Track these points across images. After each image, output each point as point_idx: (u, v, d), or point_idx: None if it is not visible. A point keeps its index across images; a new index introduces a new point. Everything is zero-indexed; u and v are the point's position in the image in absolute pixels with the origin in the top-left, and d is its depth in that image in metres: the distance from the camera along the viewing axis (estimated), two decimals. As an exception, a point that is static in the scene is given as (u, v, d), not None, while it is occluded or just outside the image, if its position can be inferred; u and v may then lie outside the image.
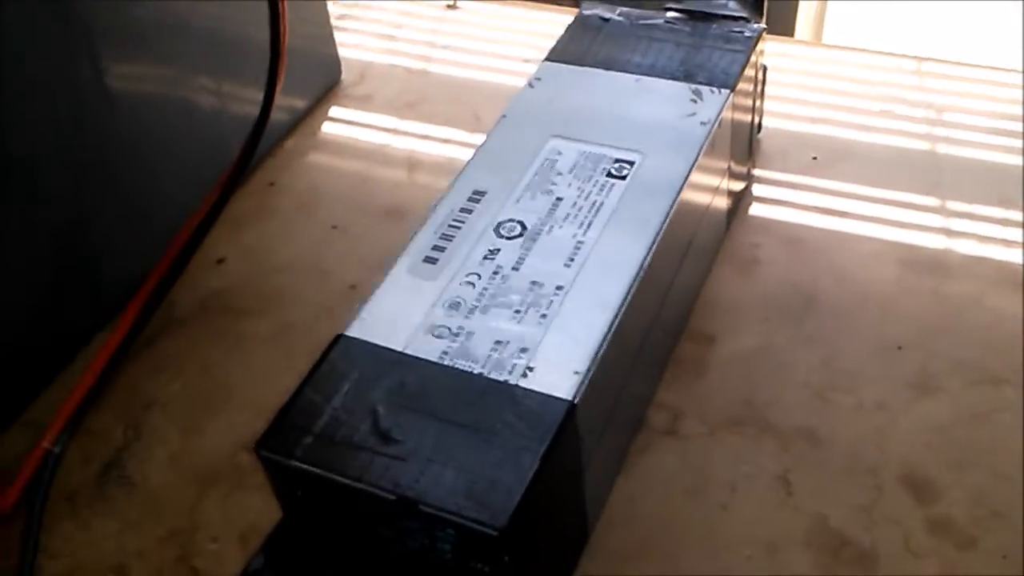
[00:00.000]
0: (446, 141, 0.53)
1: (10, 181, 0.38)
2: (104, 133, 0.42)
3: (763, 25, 0.43)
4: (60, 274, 0.42)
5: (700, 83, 0.40)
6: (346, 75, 0.58)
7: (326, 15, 0.55)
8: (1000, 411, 0.37)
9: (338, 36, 0.57)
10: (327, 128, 0.55)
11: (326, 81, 0.57)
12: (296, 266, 0.47)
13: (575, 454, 0.31)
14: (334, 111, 0.56)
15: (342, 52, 0.57)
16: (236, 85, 0.49)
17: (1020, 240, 0.44)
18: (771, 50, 0.45)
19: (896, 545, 0.33)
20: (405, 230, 0.46)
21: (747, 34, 0.42)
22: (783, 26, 0.65)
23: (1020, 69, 0.52)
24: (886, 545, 0.33)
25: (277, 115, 0.46)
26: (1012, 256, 0.43)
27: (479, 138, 0.48)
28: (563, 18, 0.59)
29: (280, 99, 0.46)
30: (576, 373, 0.30)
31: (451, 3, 0.63)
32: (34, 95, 0.38)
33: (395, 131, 0.54)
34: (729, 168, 0.43)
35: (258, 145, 0.45)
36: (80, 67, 0.40)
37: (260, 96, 0.45)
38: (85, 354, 0.43)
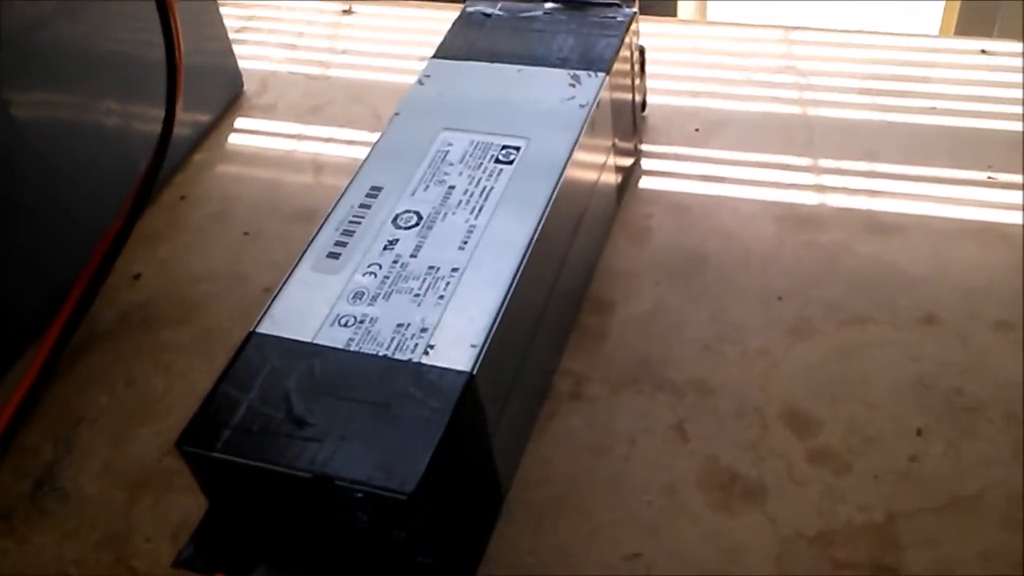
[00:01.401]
0: (350, 142, 0.55)
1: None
2: (11, 160, 0.43)
3: (635, 9, 0.45)
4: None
5: (577, 68, 0.42)
6: (248, 86, 0.59)
7: (223, 29, 0.57)
8: (868, 346, 0.40)
9: (238, 49, 0.58)
10: (233, 139, 0.56)
11: (229, 93, 0.58)
12: (211, 275, 0.49)
13: (479, 421, 0.33)
14: (239, 122, 0.57)
15: (243, 64, 0.59)
16: (141, 105, 0.50)
17: (884, 189, 0.47)
18: (652, 31, 0.48)
19: (781, 476, 0.37)
20: (314, 230, 0.49)
21: (619, 19, 0.45)
22: (666, 8, 0.68)
23: (877, 31, 0.56)
24: (772, 477, 0.37)
25: (183, 130, 0.48)
26: (877, 205, 0.46)
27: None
28: (455, 16, 0.61)
29: (184, 114, 0.47)
30: (473, 347, 0.32)
31: (347, 8, 0.65)
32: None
33: (300, 136, 0.56)
34: (614, 145, 0.45)
35: (163, 161, 0.47)
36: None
37: (163, 114, 0.46)
38: (10, 376, 0.44)
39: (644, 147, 0.51)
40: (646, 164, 0.51)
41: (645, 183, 0.50)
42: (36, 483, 0.40)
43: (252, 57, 0.61)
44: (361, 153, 0.53)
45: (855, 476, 0.36)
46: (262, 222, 0.51)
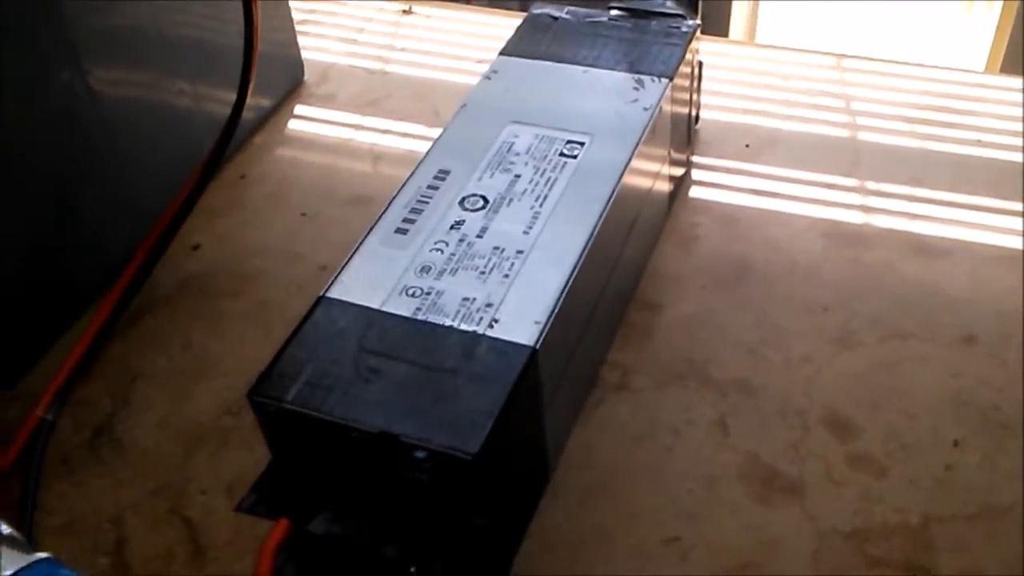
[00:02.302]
0: (407, 135, 0.56)
1: (2, 175, 0.41)
2: (88, 132, 0.45)
3: (698, 21, 0.47)
4: (49, 257, 0.45)
5: (642, 73, 0.44)
6: (309, 76, 0.61)
7: (290, 20, 0.58)
8: (909, 360, 0.41)
9: (300, 40, 0.60)
10: (293, 125, 0.58)
11: (290, 81, 0.60)
12: (268, 250, 0.50)
13: (536, 395, 0.34)
14: (299, 109, 0.59)
15: (305, 55, 0.61)
16: (209, 87, 0.52)
17: (927, 214, 0.49)
18: (707, 49, 0.50)
19: (820, 476, 0.38)
20: (372, 216, 0.50)
21: (683, 29, 0.46)
22: (718, 27, 0.70)
23: (925, 63, 0.58)
24: (811, 476, 0.38)
25: (245, 113, 0.49)
26: (920, 228, 0.48)
27: (439, 132, 0.52)
28: (511, 21, 0.63)
29: (248, 98, 0.49)
30: (536, 323, 0.34)
31: (406, 8, 0.67)
32: (27, 97, 0.41)
33: (358, 127, 0.57)
34: (669, 155, 0.47)
35: (231, 140, 0.48)
36: (67, 72, 0.43)
37: (230, 96, 0.48)
38: (74, 331, 0.46)
39: (695, 159, 0.53)
40: (696, 175, 0.52)
41: (695, 193, 0.51)
42: (94, 432, 0.42)
43: (313, 49, 0.63)
44: (418, 146, 0.56)
45: (892, 480, 0.37)
46: (319, 204, 0.52)
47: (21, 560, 0.25)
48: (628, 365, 0.43)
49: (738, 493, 0.37)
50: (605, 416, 0.41)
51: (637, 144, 0.40)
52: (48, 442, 0.41)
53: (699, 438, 0.39)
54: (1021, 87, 0.56)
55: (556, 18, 0.48)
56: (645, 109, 0.42)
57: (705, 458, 0.39)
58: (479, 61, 0.61)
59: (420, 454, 0.31)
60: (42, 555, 0.25)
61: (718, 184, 0.51)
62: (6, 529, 0.26)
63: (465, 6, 0.67)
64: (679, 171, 0.50)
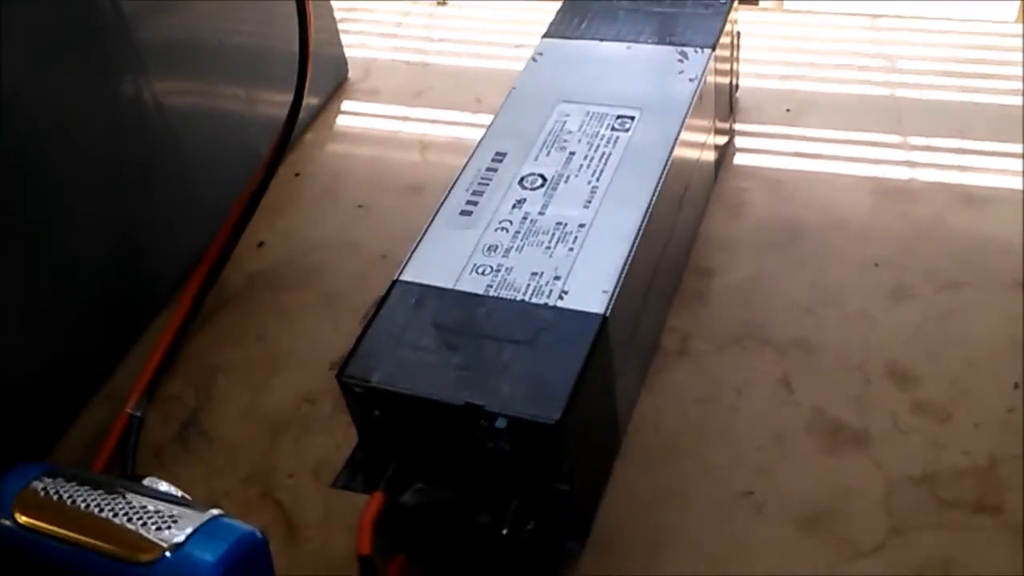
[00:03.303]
0: (452, 123, 0.58)
1: (76, 182, 0.43)
2: (155, 139, 0.47)
3: (734, -8, 0.48)
4: (122, 263, 0.47)
5: (684, 45, 0.45)
6: (353, 72, 0.63)
7: (333, 20, 0.60)
8: (963, 309, 0.42)
9: (342, 38, 0.62)
10: (341, 121, 0.60)
11: (336, 79, 0.62)
12: (329, 243, 0.52)
13: (608, 362, 0.36)
14: (345, 105, 0.61)
15: (347, 52, 0.62)
16: (260, 89, 0.54)
17: (972, 165, 0.49)
18: (741, 18, 0.51)
19: (886, 425, 0.39)
20: (426, 203, 0.52)
21: (721, 0, 0.47)
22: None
23: (958, 18, 0.58)
24: (877, 426, 0.39)
25: (295, 112, 0.51)
26: (966, 179, 0.49)
27: (483, 118, 0.54)
28: (544, 6, 0.64)
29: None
30: (604, 292, 0.35)
31: (441, 1, 0.68)
32: (100, 110, 0.43)
33: (404, 118, 0.59)
34: (714, 124, 0.48)
35: (290, 139, 0.50)
36: (135, 85, 0.45)
37: (280, 98, 0.50)
38: (151, 332, 0.48)
39: (737, 126, 0.54)
40: (740, 142, 0.53)
41: (740, 160, 0.52)
42: (182, 426, 0.44)
43: (355, 46, 0.64)
44: (463, 133, 0.57)
45: (956, 425, 0.38)
46: (373, 196, 0.54)
47: (198, 518, 0.27)
48: (687, 330, 0.44)
49: (807, 446, 0.39)
50: (668, 381, 0.42)
51: (685, 115, 0.42)
52: (140, 438, 0.43)
53: (763, 397, 0.41)
54: (1058, 34, 0.57)
55: (595, -2, 0.49)
56: (691, 80, 0.43)
57: (771, 415, 0.40)
58: (517, 47, 0.62)
59: (503, 423, 0.32)
60: (215, 511, 0.27)
61: (761, 150, 0.52)
62: (176, 491, 0.29)
63: (497, -6, 0.68)
64: (723, 139, 0.51)
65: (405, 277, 0.37)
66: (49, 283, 0.42)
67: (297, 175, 0.56)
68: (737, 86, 0.53)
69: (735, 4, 0.48)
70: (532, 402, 0.32)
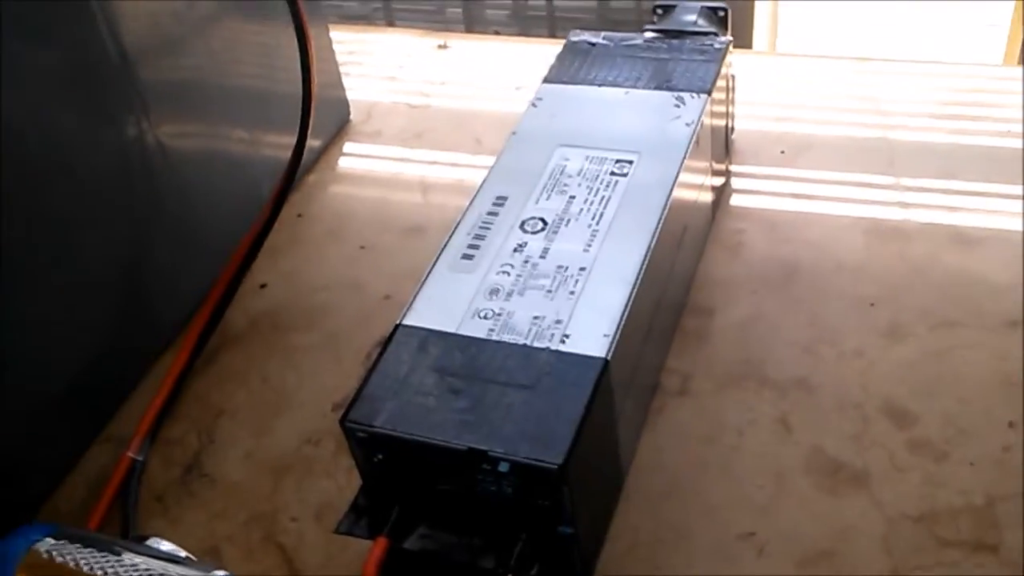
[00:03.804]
0: (453, 165, 0.59)
1: (80, 224, 0.43)
2: (160, 182, 0.48)
3: (730, 38, 0.49)
4: (126, 305, 0.47)
5: (681, 90, 0.46)
6: (355, 114, 0.64)
7: (335, 62, 0.61)
8: (959, 348, 0.43)
9: (344, 80, 0.63)
10: (343, 162, 0.61)
11: (338, 120, 0.63)
12: (332, 284, 0.52)
13: (610, 404, 0.36)
14: (348, 147, 0.62)
15: (349, 94, 0.63)
16: (263, 131, 0.55)
17: (963, 206, 0.50)
18: (734, 61, 0.52)
19: (884, 464, 0.39)
20: (428, 244, 0.52)
21: (716, 46, 0.48)
22: (742, 40, 0.72)
23: (946, 61, 0.59)
24: (875, 464, 0.39)
25: (298, 154, 0.52)
26: (957, 220, 0.49)
27: (483, 159, 0.54)
28: (542, 49, 0.65)
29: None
30: (606, 336, 0.36)
31: (442, 44, 0.69)
32: (105, 153, 0.44)
33: (406, 160, 0.60)
34: (711, 166, 0.49)
35: (293, 180, 0.51)
36: (139, 128, 0.46)
37: (283, 140, 0.51)
38: (152, 375, 0.48)
39: (733, 168, 0.54)
40: (735, 183, 0.54)
41: (736, 201, 0.53)
42: (185, 469, 0.44)
43: (357, 88, 0.65)
44: (464, 175, 0.58)
45: (953, 463, 0.39)
46: (376, 236, 0.55)
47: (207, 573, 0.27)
48: (687, 370, 0.44)
49: (806, 486, 0.39)
50: (670, 421, 0.42)
51: (683, 159, 0.42)
52: (141, 482, 0.43)
53: (763, 436, 0.41)
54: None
55: (594, 44, 0.50)
56: (687, 125, 0.44)
57: (771, 455, 0.40)
58: (516, 88, 0.63)
59: (506, 468, 0.33)
60: (220, 573, 0.28)
61: (757, 191, 0.53)
62: (180, 552, 0.29)
63: (496, 37, 0.70)
64: (719, 181, 0.52)
65: (408, 321, 0.38)
66: (50, 325, 0.42)
67: (300, 216, 0.57)
68: (733, 128, 0.54)
69: (729, 50, 0.49)
70: (535, 446, 0.32)
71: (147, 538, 0.32)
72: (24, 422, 0.41)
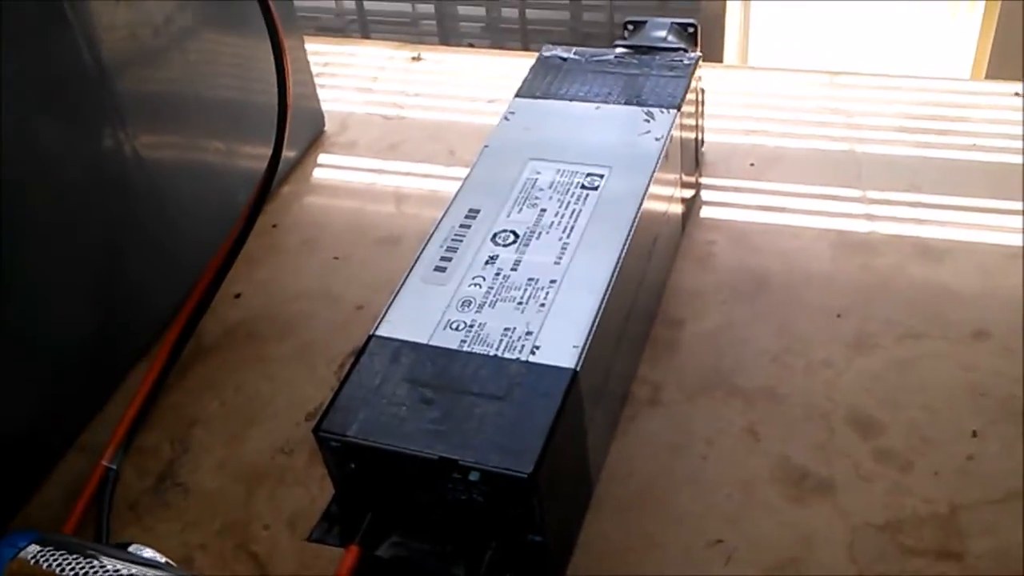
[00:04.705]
0: (427, 176, 0.59)
1: (55, 234, 0.43)
2: (136, 192, 0.48)
3: (699, 53, 0.50)
4: (101, 314, 0.47)
5: (651, 105, 0.47)
6: (329, 125, 0.64)
7: (310, 73, 0.61)
8: (924, 358, 0.44)
9: (318, 91, 0.63)
10: (318, 173, 0.61)
11: (312, 131, 0.63)
12: (306, 294, 0.53)
13: (579, 414, 0.37)
14: (322, 158, 0.62)
15: (323, 105, 0.64)
16: (239, 143, 0.55)
17: (928, 218, 0.51)
18: (706, 75, 0.53)
19: (849, 473, 0.40)
20: (401, 255, 0.53)
21: (686, 62, 0.49)
22: (713, 53, 0.73)
23: (915, 75, 0.61)
24: (841, 474, 0.40)
25: (273, 165, 0.52)
26: (923, 232, 0.50)
27: (456, 171, 0.55)
28: (516, 62, 0.66)
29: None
30: (575, 347, 0.36)
31: (416, 55, 0.70)
32: (81, 163, 0.44)
33: (380, 171, 0.60)
34: (680, 179, 0.50)
35: (269, 191, 0.51)
36: (116, 139, 0.46)
37: (259, 151, 0.51)
38: (127, 384, 0.48)
39: (703, 180, 0.55)
40: (705, 196, 0.55)
41: (706, 212, 0.54)
42: (158, 478, 0.44)
43: (331, 100, 0.65)
44: (438, 186, 0.59)
45: (917, 473, 0.40)
46: (350, 247, 0.55)
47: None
48: (657, 380, 0.45)
49: (773, 494, 0.40)
50: (640, 429, 0.43)
51: (653, 173, 0.43)
52: (115, 490, 0.43)
53: (731, 445, 0.42)
54: (1011, 92, 0.59)
55: (565, 59, 0.51)
56: (657, 139, 0.45)
57: (739, 464, 0.41)
58: (489, 101, 0.64)
59: (477, 476, 0.33)
60: None
61: (727, 203, 0.54)
62: (160, 558, 0.29)
63: (469, 50, 0.70)
64: (689, 193, 0.53)
65: (381, 332, 0.38)
66: (25, 334, 0.42)
67: (275, 226, 0.57)
68: (702, 141, 0.55)
69: (699, 65, 0.50)
70: (505, 456, 0.33)
71: (128, 545, 0.32)
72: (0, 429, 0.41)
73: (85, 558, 0.30)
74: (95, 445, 0.45)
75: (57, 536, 0.31)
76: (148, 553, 0.31)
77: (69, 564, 0.29)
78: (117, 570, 0.29)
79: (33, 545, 0.30)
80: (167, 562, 0.30)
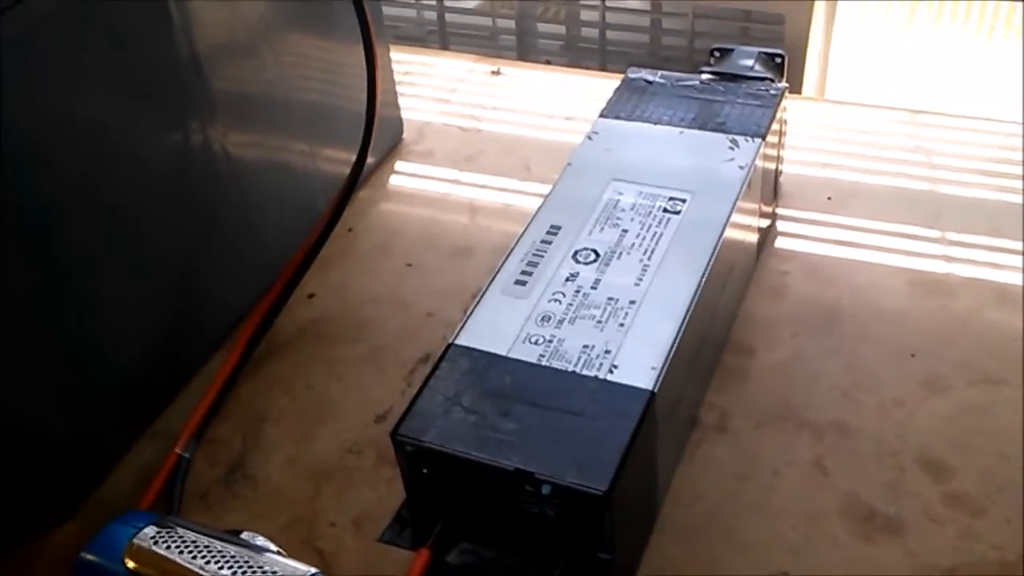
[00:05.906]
0: (502, 189, 0.60)
1: (143, 223, 0.44)
2: (225, 188, 0.49)
3: (786, 84, 0.50)
4: (180, 306, 0.48)
5: (735, 133, 0.47)
6: (407, 134, 0.65)
7: (392, 82, 0.63)
8: (999, 405, 0.43)
9: (399, 100, 0.64)
10: (395, 180, 0.62)
11: (391, 139, 0.64)
12: (378, 298, 0.53)
13: (653, 436, 0.37)
14: (399, 165, 0.63)
15: (403, 114, 0.65)
16: (323, 146, 0.56)
17: (1007, 263, 0.51)
18: (785, 105, 0.53)
19: (918, 514, 0.40)
20: (473, 265, 0.53)
21: (772, 92, 0.49)
22: (792, 84, 0.73)
23: (998, 119, 0.60)
24: (910, 514, 0.40)
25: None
26: (1004, 277, 0.50)
27: (531, 186, 0.55)
28: (594, 81, 0.67)
29: (352, 156, 0.52)
30: (653, 368, 0.36)
31: (495, 70, 0.71)
32: (175, 157, 0.45)
33: (455, 181, 0.61)
34: (759, 208, 0.50)
35: (351, 196, 0.52)
36: (208, 134, 0.47)
37: (341, 155, 0.52)
38: (201, 376, 0.49)
39: (779, 210, 0.55)
40: (781, 226, 0.55)
41: (781, 243, 0.54)
42: (228, 470, 0.45)
43: (411, 108, 0.67)
44: (512, 200, 0.59)
45: (990, 519, 0.39)
46: (423, 255, 0.56)
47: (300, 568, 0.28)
48: (726, 407, 0.45)
49: (839, 530, 0.39)
50: (706, 455, 0.43)
51: (735, 201, 0.43)
52: (186, 478, 0.44)
53: (799, 478, 0.42)
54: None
55: (651, 82, 0.51)
56: (741, 168, 0.45)
57: (806, 496, 0.41)
58: (567, 119, 0.64)
59: (550, 490, 0.34)
60: (314, 570, 0.28)
61: (803, 235, 0.54)
62: (272, 546, 0.30)
63: (548, 67, 0.71)
64: (766, 223, 0.53)
65: (460, 341, 0.39)
66: (103, 321, 0.43)
67: (350, 230, 0.58)
68: (781, 171, 0.55)
69: (785, 96, 0.50)
70: (580, 472, 0.33)
71: (240, 532, 0.33)
72: (78, 413, 0.43)
73: (202, 541, 0.30)
74: (167, 433, 0.46)
75: (174, 520, 0.32)
76: (260, 541, 0.32)
77: (188, 547, 0.30)
78: (233, 556, 0.30)
79: (151, 527, 0.31)
80: (279, 550, 0.31)
